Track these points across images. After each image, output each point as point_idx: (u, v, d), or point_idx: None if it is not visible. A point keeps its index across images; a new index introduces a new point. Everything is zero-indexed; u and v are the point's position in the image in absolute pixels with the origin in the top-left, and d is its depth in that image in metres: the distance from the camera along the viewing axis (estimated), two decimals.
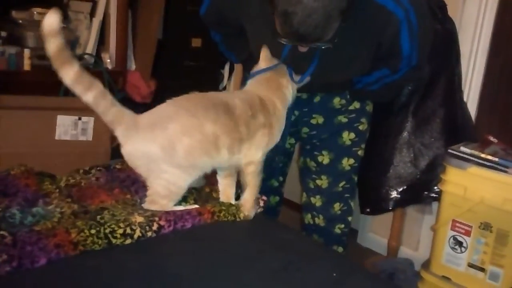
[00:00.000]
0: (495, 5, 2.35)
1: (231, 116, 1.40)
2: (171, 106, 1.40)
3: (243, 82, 1.64)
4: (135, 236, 1.26)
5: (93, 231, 1.21)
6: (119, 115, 1.34)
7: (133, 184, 1.55)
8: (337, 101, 1.82)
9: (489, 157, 1.99)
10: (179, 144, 1.34)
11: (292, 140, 1.95)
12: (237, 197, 1.55)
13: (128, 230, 1.26)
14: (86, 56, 2.71)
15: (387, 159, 2.31)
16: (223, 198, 1.53)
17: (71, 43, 2.66)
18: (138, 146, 1.35)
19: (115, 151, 2.23)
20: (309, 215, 1.94)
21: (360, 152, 1.89)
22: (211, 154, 1.38)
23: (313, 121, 1.85)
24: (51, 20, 1.22)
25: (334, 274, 1.22)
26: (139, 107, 2.27)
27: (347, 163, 1.86)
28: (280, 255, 1.27)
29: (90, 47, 2.74)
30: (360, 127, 1.86)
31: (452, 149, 2.07)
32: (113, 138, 1.40)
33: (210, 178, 1.56)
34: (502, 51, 2.39)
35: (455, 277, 2.10)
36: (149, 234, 1.29)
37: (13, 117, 2.31)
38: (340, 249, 1.95)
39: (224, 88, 3.29)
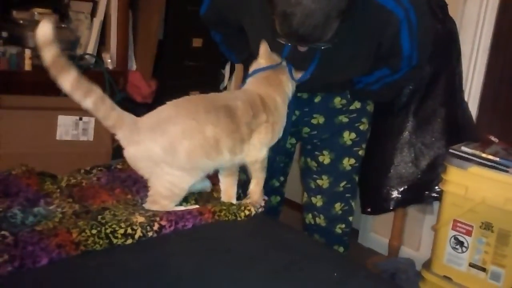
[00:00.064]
0: (496, 4, 2.36)
1: (232, 118, 1.40)
2: (171, 108, 1.40)
3: (243, 82, 1.64)
4: (136, 236, 1.26)
5: (94, 231, 1.21)
6: (119, 119, 1.34)
7: (134, 184, 1.55)
8: (337, 101, 1.82)
9: (490, 157, 1.99)
10: (180, 147, 1.34)
11: (293, 140, 1.95)
12: (238, 197, 1.55)
13: (129, 230, 1.26)
14: (87, 56, 2.71)
15: (388, 159, 2.31)
16: (224, 197, 1.53)
17: (72, 43, 2.66)
18: (140, 149, 1.35)
19: (116, 151, 2.23)
20: (310, 215, 1.94)
21: (361, 152, 1.89)
22: (212, 156, 1.38)
23: (314, 121, 1.85)
24: (44, 30, 1.21)
25: (336, 274, 1.22)
26: (140, 107, 2.28)
27: (348, 163, 1.86)
28: (282, 255, 1.27)
29: (91, 47, 2.74)
30: (361, 127, 1.86)
31: (453, 149, 2.07)
32: (114, 138, 1.40)
33: (212, 179, 1.56)
34: (503, 51, 2.39)
35: (456, 277, 2.10)
36: (150, 234, 1.29)
37: (14, 117, 2.31)
38: (341, 249, 1.95)
39: (225, 88, 3.29)
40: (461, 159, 2.04)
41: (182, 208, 1.41)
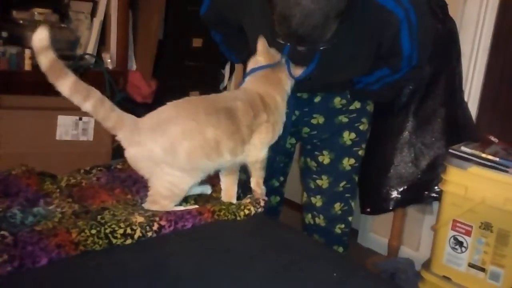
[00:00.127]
0: (496, 4, 2.36)
1: (233, 120, 1.40)
2: (172, 109, 1.40)
3: (242, 80, 1.64)
4: (136, 236, 1.26)
5: (93, 231, 1.22)
6: (119, 120, 1.34)
7: (134, 184, 1.56)
8: (337, 101, 1.82)
9: (490, 157, 1.99)
10: (180, 147, 1.34)
11: (293, 140, 1.95)
12: (237, 197, 1.55)
13: (129, 230, 1.26)
14: (86, 56, 2.71)
15: (388, 159, 2.31)
16: (225, 197, 1.53)
17: (72, 43, 2.66)
18: (140, 149, 1.35)
19: (116, 151, 2.23)
20: (309, 215, 1.94)
21: (360, 152, 1.89)
22: (212, 157, 1.39)
23: (314, 121, 1.85)
24: (41, 36, 1.22)
25: (335, 274, 1.22)
26: (140, 107, 2.29)
27: (347, 163, 1.86)
28: (281, 255, 1.27)
29: (91, 47, 2.73)
30: (361, 127, 1.86)
31: (453, 149, 2.07)
32: (114, 139, 1.40)
33: (212, 179, 1.56)
34: (503, 51, 2.39)
35: (455, 277, 2.10)
36: (150, 234, 1.29)
37: (14, 117, 2.31)
38: (341, 249, 1.95)
39: (225, 88, 3.29)
40: (461, 159, 2.04)
41: (181, 208, 1.41)
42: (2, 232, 1.17)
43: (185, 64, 3.08)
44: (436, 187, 2.25)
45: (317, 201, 1.91)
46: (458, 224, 2.07)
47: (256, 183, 1.56)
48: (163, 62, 2.99)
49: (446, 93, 2.27)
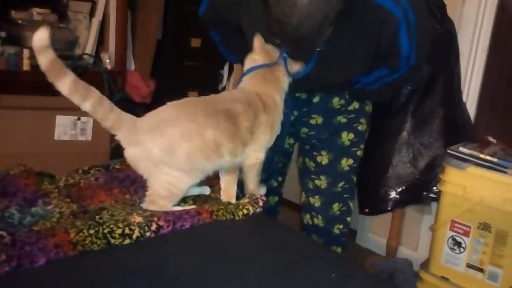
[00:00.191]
0: (494, 5, 2.36)
1: (233, 122, 1.40)
2: (172, 110, 1.40)
3: (239, 80, 1.64)
4: (134, 236, 1.26)
5: (92, 231, 1.21)
6: (118, 120, 1.34)
7: (132, 184, 1.55)
8: (336, 101, 1.82)
9: (488, 158, 1.99)
10: (179, 149, 1.34)
11: (291, 140, 1.95)
12: (236, 198, 1.55)
13: (127, 230, 1.26)
14: (85, 56, 2.71)
15: (386, 159, 2.31)
16: (224, 197, 1.52)
17: (71, 43, 2.66)
18: (139, 149, 1.35)
19: (115, 151, 2.23)
20: (308, 216, 1.94)
21: (359, 153, 1.89)
22: (212, 159, 1.38)
23: (312, 121, 1.85)
24: (41, 36, 1.22)
25: (333, 275, 1.22)
26: (139, 107, 2.29)
27: (346, 163, 1.86)
28: (280, 255, 1.27)
29: (90, 47, 2.74)
30: (359, 128, 1.86)
31: (451, 149, 2.07)
32: (113, 139, 1.40)
33: (211, 180, 1.56)
34: (501, 51, 2.40)
35: (454, 277, 2.10)
36: (148, 234, 1.29)
37: (12, 117, 2.31)
38: (339, 250, 1.95)
39: (224, 88, 3.29)
40: (459, 159, 2.04)
41: (180, 208, 1.41)
42: (0, 232, 1.17)
43: (184, 64, 3.09)
44: (434, 188, 2.25)
45: (316, 201, 1.91)
46: (456, 225, 2.07)
47: (253, 189, 1.55)
48: (162, 62, 2.99)
49: (445, 93, 2.27)
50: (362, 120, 1.86)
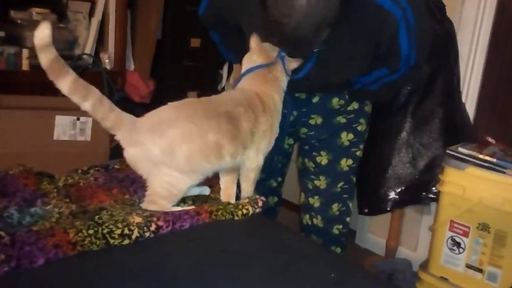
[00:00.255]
0: (494, 5, 2.36)
1: (234, 124, 1.39)
2: (172, 110, 1.39)
3: (238, 80, 1.64)
4: (133, 237, 1.26)
5: (91, 231, 1.21)
6: (118, 120, 1.34)
7: (131, 184, 1.55)
8: (335, 102, 1.82)
9: (487, 158, 1.99)
10: (179, 150, 1.33)
11: (291, 141, 1.95)
12: (236, 198, 1.55)
13: (126, 231, 1.26)
14: (85, 56, 2.71)
15: (386, 159, 2.31)
16: (224, 197, 1.52)
17: (70, 43, 2.66)
18: (139, 149, 1.35)
19: (114, 151, 2.23)
20: (307, 216, 1.94)
21: (358, 153, 1.89)
22: (212, 161, 1.38)
23: (312, 122, 1.85)
24: (43, 34, 1.21)
25: (333, 275, 1.22)
26: (138, 107, 2.28)
27: (345, 163, 1.86)
28: (279, 255, 1.27)
29: (89, 47, 2.73)
30: (359, 128, 1.86)
31: (451, 150, 2.07)
32: (112, 139, 1.39)
33: (211, 180, 1.55)
34: (500, 51, 2.40)
35: (453, 277, 2.10)
36: (147, 234, 1.28)
37: (11, 117, 2.31)
38: (339, 250, 1.95)
39: (223, 89, 3.29)
40: (459, 160, 2.04)
41: (179, 208, 1.41)
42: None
43: (183, 64, 3.09)
44: (433, 188, 2.25)
45: (315, 201, 1.91)
46: (455, 225, 2.07)
47: (251, 190, 1.55)
48: (161, 62, 2.99)
49: (444, 93, 2.27)
50: (362, 121, 1.86)
